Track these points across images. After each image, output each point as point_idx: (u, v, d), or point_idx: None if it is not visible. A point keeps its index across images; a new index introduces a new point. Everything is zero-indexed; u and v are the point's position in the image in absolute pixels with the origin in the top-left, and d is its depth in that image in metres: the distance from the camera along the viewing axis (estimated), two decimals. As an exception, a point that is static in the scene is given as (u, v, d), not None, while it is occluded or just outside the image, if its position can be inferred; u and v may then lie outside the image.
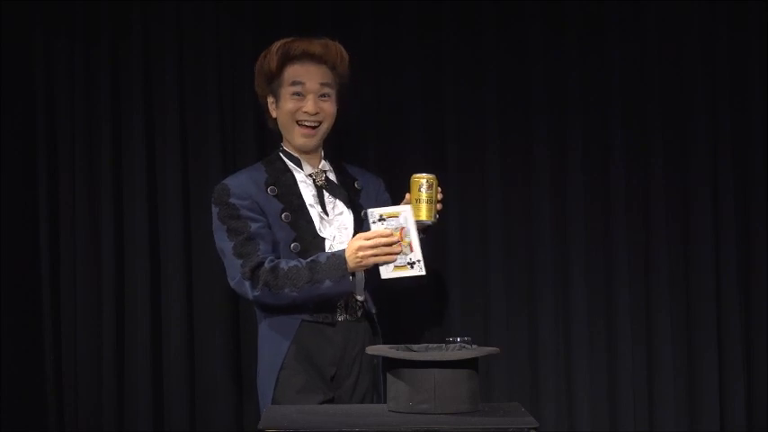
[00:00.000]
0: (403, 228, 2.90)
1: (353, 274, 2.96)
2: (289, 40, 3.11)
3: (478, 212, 3.64)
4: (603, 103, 3.66)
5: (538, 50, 3.64)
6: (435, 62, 3.65)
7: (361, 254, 2.88)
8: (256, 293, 2.97)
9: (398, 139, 3.65)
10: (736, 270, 3.65)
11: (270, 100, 3.16)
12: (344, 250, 2.92)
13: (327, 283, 2.92)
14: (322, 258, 2.94)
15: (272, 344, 3.05)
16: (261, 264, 2.96)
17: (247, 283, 2.97)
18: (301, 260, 2.97)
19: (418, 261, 2.90)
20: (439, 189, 3.00)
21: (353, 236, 3.08)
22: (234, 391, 3.59)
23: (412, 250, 2.90)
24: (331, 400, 3.02)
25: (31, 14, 3.59)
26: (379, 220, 2.91)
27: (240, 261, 2.98)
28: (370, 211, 2.93)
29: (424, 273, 2.91)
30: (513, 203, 3.65)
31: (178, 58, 3.61)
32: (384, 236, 2.87)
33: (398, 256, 2.89)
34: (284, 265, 2.95)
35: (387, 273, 2.91)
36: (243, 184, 3.07)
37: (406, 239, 2.90)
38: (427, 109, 3.65)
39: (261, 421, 2.49)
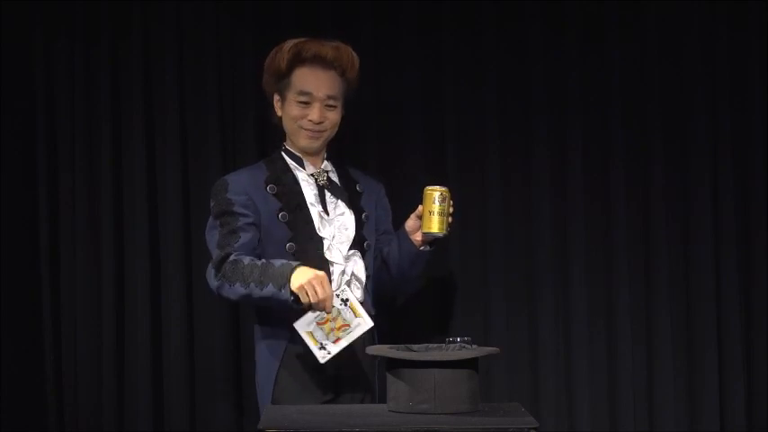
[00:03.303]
0: (347, 325, 2.91)
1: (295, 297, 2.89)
2: (301, 40, 3.09)
3: (478, 212, 3.64)
4: (603, 103, 3.66)
5: (538, 50, 3.64)
6: (435, 62, 3.64)
7: (305, 284, 2.83)
8: (216, 283, 2.98)
9: (398, 140, 3.65)
10: (736, 270, 3.65)
11: (276, 98, 3.15)
12: (300, 264, 2.89)
13: (270, 287, 2.88)
14: (278, 263, 2.91)
15: (271, 344, 3.05)
16: (229, 254, 2.97)
17: (212, 272, 2.99)
18: (266, 261, 2.94)
19: (328, 353, 2.89)
20: (452, 202, 3.01)
21: (354, 237, 3.09)
22: (234, 391, 3.60)
23: (335, 343, 2.90)
24: (331, 401, 3.02)
25: (31, 14, 3.59)
26: (342, 302, 2.92)
27: (216, 251, 3.00)
28: (347, 294, 2.94)
29: (321, 360, 2.90)
30: (513, 203, 3.65)
31: (178, 58, 3.60)
32: (326, 288, 2.85)
33: (322, 328, 2.89)
34: (247, 260, 2.94)
35: (302, 326, 2.90)
36: (242, 181, 3.08)
37: (341, 333, 2.91)
38: (427, 109, 3.65)
39: (261, 421, 2.49)
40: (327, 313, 2.88)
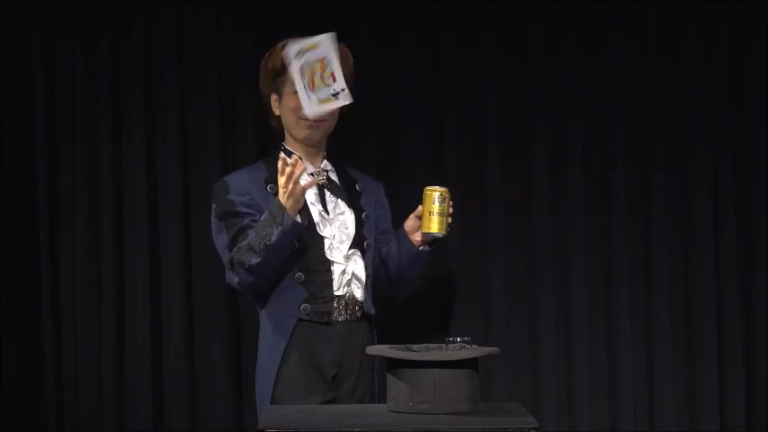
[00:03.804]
0: (323, 58, 2.80)
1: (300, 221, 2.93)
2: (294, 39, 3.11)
3: (478, 212, 3.64)
4: (603, 103, 3.66)
5: (538, 50, 3.64)
6: (435, 62, 3.64)
7: (281, 190, 2.88)
8: (237, 278, 2.99)
9: (398, 139, 3.65)
10: (737, 270, 3.65)
11: (273, 97, 3.16)
12: (275, 200, 2.93)
13: (274, 231, 2.90)
14: (262, 217, 2.95)
15: (271, 344, 3.05)
16: None
17: (230, 273, 3.01)
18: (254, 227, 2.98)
19: (342, 90, 2.79)
20: (451, 203, 3.01)
21: (354, 236, 3.09)
22: (234, 391, 3.59)
23: (335, 80, 2.80)
24: (331, 401, 3.02)
25: (31, 14, 3.59)
26: (297, 54, 2.77)
27: (228, 253, 3.01)
28: (290, 46, 2.78)
29: (349, 101, 2.83)
30: (513, 203, 3.65)
31: (178, 58, 3.60)
32: (286, 165, 2.86)
33: (321, 90, 2.80)
34: (243, 241, 2.97)
35: (311, 108, 2.82)
36: (242, 181, 3.08)
37: (328, 70, 2.81)
38: (427, 109, 3.65)
39: (261, 421, 2.49)
40: (302, 170, 2.85)
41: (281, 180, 2.88)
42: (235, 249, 2.98)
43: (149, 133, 3.60)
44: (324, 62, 2.78)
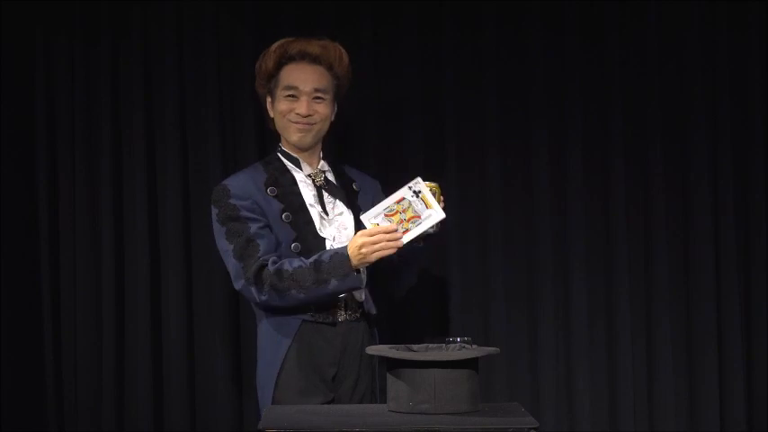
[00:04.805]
0: (417, 216, 2.86)
1: (359, 271, 2.93)
2: (288, 40, 3.12)
3: (478, 213, 3.64)
4: (603, 103, 3.66)
5: (538, 51, 3.64)
6: (435, 62, 3.64)
7: (364, 250, 2.86)
8: (263, 297, 2.95)
9: (398, 140, 3.65)
10: (736, 270, 3.65)
11: (268, 99, 3.16)
12: (347, 247, 2.90)
13: (333, 282, 2.90)
14: (325, 257, 2.92)
15: (272, 344, 3.05)
16: (263, 266, 2.94)
17: (253, 288, 2.95)
18: (304, 260, 2.95)
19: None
20: (442, 198, 3.00)
21: (353, 236, 3.08)
22: (234, 391, 3.59)
23: (403, 234, 2.85)
24: (331, 401, 3.02)
25: (31, 14, 3.59)
26: (414, 194, 2.85)
27: (241, 264, 2.97)
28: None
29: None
30: (513, 204, 3.65)
31: (178, 58, 3.60)
32: (386, 231, 2.86)
33: (391, 220, 2.84)
34: (288, 266, 2.94)
35: (368, 217, 2.85)
36: (242, 185, 3.07)
37: (410, 225, 2.85)
38: (427, 109, 3.65)
39: (261, 421, 2.49)
40: (400, 245, 2.85)
41: (375, 237, 2.84)
42: (273, 270, 2.93)
43: (149, 133, 3.60)
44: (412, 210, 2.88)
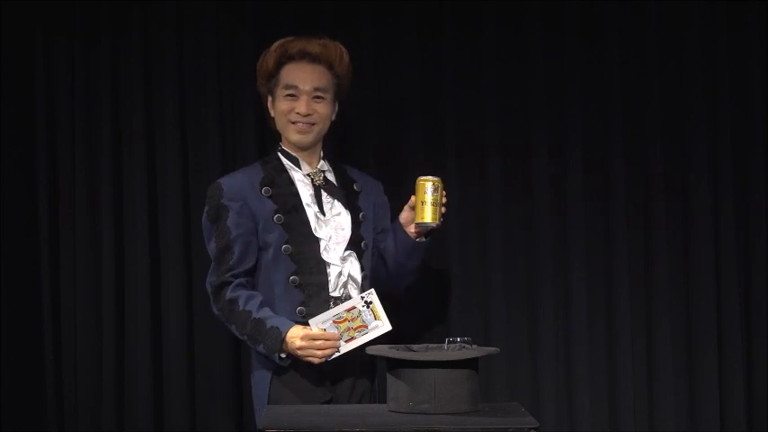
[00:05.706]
0: (365, 326, 2.93)
1: (285, 355, 2.95)
2: (288, 39, 3.12)
3: (478, 212, 3.64)
4: (603, 103, 3.66)
5: (538, 51, 3.64)
6: (435, 62, 3.65)
7: (300, 344, 2.89)
8: (216, 312, 3.06)
9: (398, 139, 3.65)
10: (736, 270, 3.65)
11: (269, 99, 3.16)
12: (288, 330, 2.92)
13: (262, 348, 2.96)
14: (268, 323, 2.95)
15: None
16: (226, 284, 3.01)
17: (211, 297, 3.06)
18: (255, 308, 2.97)
19: (337, 351, 2.90)
20: (444, 192, 3.00)
21: (350, 238, 3.08)
22: (234, 391, 3.60)
23: (347, 342, 2.91)
24: (329, 401, 3.02)
25: (31, 14, 3.59)
26: (366, 304, 2.93)
27: (214, 267, 3.04)
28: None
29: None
30: (513, 204, 3.65)
31: (178, 58, 3.61)
32: (327, 338, 2.90)
33: (338, 327, 2.91)
34: (241, 303, 2.99)
35: (317, 322, 2.92)
36: (237, 185, 3.06)
37: (356, 333, 2.92)
38: (427, 109, 3.65)
39: (261, 421, 2.49)
40: (333, 353, 2.91)
41: (317, 343, 2.89)
42: (228, 297, 2.99)
43: (149, 133, 3.60)
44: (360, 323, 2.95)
